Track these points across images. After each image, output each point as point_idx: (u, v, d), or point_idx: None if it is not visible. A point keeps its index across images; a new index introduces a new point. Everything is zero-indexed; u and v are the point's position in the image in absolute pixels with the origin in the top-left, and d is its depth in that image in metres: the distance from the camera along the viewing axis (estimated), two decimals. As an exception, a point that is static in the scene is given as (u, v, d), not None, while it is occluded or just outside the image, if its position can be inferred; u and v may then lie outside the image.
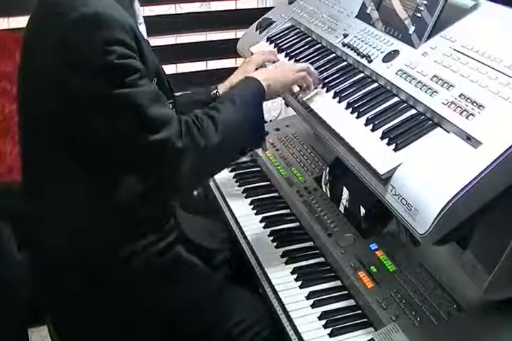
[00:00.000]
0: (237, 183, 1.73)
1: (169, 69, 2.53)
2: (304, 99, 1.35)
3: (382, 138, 1.13)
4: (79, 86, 1.05)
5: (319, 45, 1.53)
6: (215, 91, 1.48)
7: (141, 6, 2.22)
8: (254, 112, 1.25)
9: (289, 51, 1.56)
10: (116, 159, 1.13)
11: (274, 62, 1.54)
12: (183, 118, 1.13)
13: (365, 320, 1.23)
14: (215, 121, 1.16)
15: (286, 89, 1.34)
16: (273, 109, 2.59)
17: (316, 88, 1.36)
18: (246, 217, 1.59)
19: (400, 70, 1.22)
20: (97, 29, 1.04)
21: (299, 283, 1.34)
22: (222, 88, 1.49)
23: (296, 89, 1.35)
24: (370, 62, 1.31)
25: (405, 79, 1.19)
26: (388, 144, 1.10)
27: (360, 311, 1.26)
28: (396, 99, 1.21)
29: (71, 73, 1.05)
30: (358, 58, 1.34)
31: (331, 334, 1.20)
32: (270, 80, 1.29)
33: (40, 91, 1.12)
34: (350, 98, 1.27)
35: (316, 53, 1.50)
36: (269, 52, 1.57)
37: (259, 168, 1.80)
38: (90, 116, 1.08)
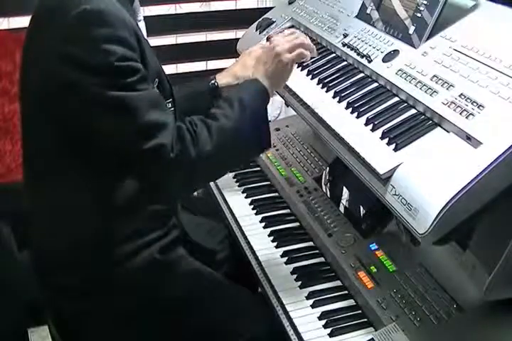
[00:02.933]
0: (237, 183, 1.73)
1: (169, 69, 2.53)
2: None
3: (382, 138, 1.13)
4: (78, 81, 1.04)
5: (319, 45, 1.53)
6: (213, 81, 1.45)
7: (141, 6, 2.22)
8: (256, 117, 1.20)
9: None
10: (112, 159, 1.12)
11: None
12: (177, 125, 1.11)
13: (365, 320, 1.23)
14: (210, 129, 1.12)
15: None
16: (273, 109, 2.59)
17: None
18: (246, 217, 1.59)
19: (399, 70, 1.22)
20: (99, 26, 1.03)
21: (299, 283, 1.34)
22: (220, 78, 1.46)
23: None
24: (370, 62, 1.31)
25: (405, 79, 1.19)
26: (388, 144, 1.10)
27: (360, 311, 1.26)
28: (396, 99, 1.21)
29: (71, 68, 1.04)
30: (358, 58, 1.34)
31: (331, 334, 1.20)
32: (269, 74, 1.24)
33: (41, 86, 1.11)
34: (350, 98, 1.27)
35: (316, 53, 1.50)
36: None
37: (259, 168, 1.80)
38: (88, 113, 1.07)
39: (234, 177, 1.76)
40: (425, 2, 1.23)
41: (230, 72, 1.45)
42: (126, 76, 1.05)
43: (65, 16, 1.04)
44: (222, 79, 1.44)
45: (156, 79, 1.17)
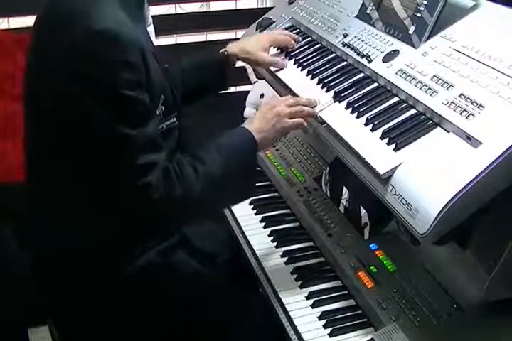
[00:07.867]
0: (237, 183, 1.73)
1: (169, 69, 2.53)
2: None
3: (382, 138, 1.13)
4: (79, 101, 1.03)
5: (319, 45, 1.53)
6: (223, 50, 1.46)
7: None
8: (243, 167, 1.21)
9: (289, 51, 1.56)
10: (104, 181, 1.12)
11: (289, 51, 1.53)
12: (164, 165, 1.10)
13: (365, 320, 1.23)
14: (197, 173, 1.13)
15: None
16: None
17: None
18: (246, 217, 1.59)
19: (399, 70, 1.22)
20: (107, 48, 1.01)
21: (299, 283, 1.34)
22: (232, 48, 1.47)
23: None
24: (370, 62, 1.31)
25: (405, 79, 1.19)
26: (388, 144, 1.10)
27: (360, 311, 1.26)
28: (396, 99, 1.21)
29: (77, 84, 1.03)
30: (358, 58, 1.34)
31: (330, 334, 1.20)
32: (263, 132, 1.24)
33: (47, 98, 1.10)
34: (350, 98, 1.27)
35: (316, 53, 1.49)
36: (290, 36, 1.55)
37: (259, 168, 1.80)
38: (85, 132, 1.07)
39: (234, 177, 1.76)
40: (425, 2, 1.23)
41: (241, 43, 1.50)
42: (128, 107, 1.04)
43: (73, 35, 1.02)
44: (233, 49, 1.47)
45: (162, 96, 1.16)
